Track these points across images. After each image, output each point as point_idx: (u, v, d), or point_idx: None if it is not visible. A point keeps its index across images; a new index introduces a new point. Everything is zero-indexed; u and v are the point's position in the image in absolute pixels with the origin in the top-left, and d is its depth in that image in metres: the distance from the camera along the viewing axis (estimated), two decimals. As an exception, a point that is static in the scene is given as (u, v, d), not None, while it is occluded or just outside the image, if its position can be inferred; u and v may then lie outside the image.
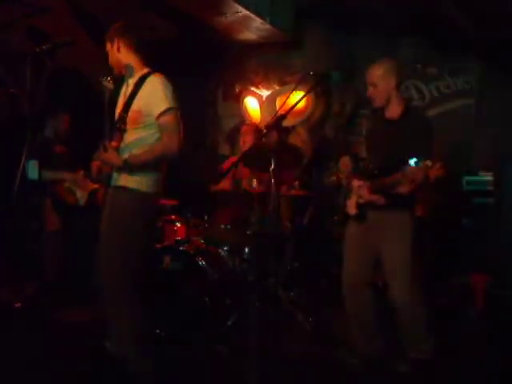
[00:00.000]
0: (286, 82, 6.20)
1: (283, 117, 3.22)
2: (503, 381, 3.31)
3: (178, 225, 4.63)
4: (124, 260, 2.88)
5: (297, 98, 3.36)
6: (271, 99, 6.24)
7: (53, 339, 3.66)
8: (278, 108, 5.86)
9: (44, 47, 2.70)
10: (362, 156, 3.49)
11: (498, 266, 4.72)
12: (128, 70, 3.04)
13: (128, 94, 2.98)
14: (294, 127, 6.10)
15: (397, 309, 3.28)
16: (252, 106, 6.37)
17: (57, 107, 4.63)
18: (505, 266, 4.70)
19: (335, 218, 3.57)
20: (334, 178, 3.66)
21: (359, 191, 3.33)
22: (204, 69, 6.65)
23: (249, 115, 6.37)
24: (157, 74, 2.99)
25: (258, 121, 6.16)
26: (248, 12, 5.20)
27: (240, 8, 5.10)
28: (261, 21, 5.40)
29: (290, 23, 5.82)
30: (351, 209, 3.40)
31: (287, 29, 5.80)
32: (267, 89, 6.32)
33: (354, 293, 3.41)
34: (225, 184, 4.84)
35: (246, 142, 4.83)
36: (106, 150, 2.88)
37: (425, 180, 3.00)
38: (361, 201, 3.32)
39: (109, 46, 3.07)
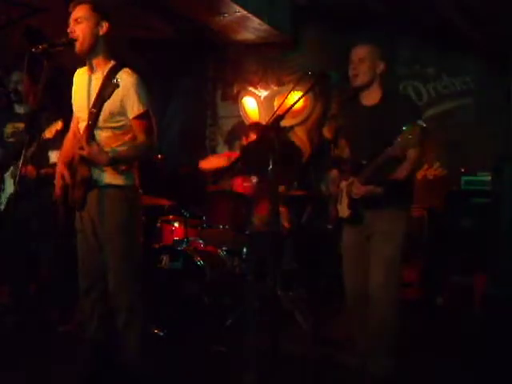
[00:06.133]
0: (284, 82, 6.21)
1: (281, 117, 3.21)
2: (503, 381, 3.31)
3: (176, 225, 4.62)
4: (134, 256, 2.87)
5: (295, 98, 3.34)
6: (269, 99, 6.25)
7: (52, 339, 3.66)
8: (276, 108, 5.85)
9: (40, 47, 2.69)
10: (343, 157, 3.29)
11: (496, 266, 4.72)
12: (95, 58, 2.86)
13: (98, 88, 2.82)
14: (292, 127, 6.11)
15: (370, 307, 3.08)
16: (250, 106, 6.38)
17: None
18: (503, 266, 4.69)
19: (328, 226, 3.39)
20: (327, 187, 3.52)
21: (350, 189, 3.10)
22: (202, 69, 6.66)
23: (247, 115, 6.38)
24: (127, 69, 2.84)
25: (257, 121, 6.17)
26: (246, 12, 5.20)
27: (238, 8, 5.10)
28: (259, 21, 5.41)
29: (288, 23, 5.82)
30: (344, 212, 3.19)
31: (285, 29, 5.80)
32: (265, 89, 6.33)
33: (357, 305, 3.21)
34: (223, 184, 4.84)
35: (250, 139, 4.81)
36: (90, 145, 2.74)
37: (422, 142, 2.85)
38: (355, 196, 3.06)
39: (88, 19, 2.78)
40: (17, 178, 3.81)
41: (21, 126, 4.09)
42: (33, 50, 2.68)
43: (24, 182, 3.77)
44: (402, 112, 2.99)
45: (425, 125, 2.81)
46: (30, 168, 3.87)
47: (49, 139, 3.69)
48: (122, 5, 4.75)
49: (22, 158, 2.80)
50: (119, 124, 2.85)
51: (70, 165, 2.90)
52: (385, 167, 2.97)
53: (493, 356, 3.64)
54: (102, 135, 2.84)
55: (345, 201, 3.17)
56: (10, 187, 4.00)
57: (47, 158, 3.99)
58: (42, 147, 3.84)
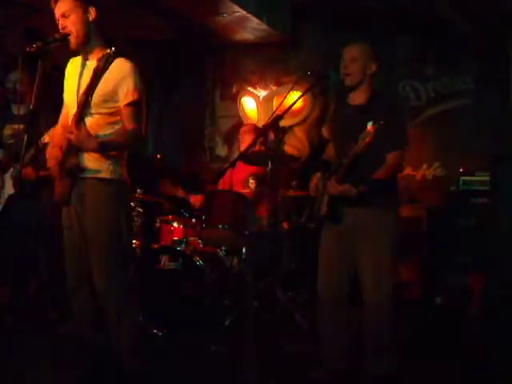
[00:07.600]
0: (283, 83, 6.21)
1: (280, 117, 3.21)
2: (503, 381, 3.31)
3: (175, 225, 4.61)
4: (121, 254, 2.82)
5: (294, 98, 3.34)
6: (268, 99, 6.26)
7: (52, 339, 3.65)
8: (275, 108, 5.86)
9: (34, 46, 2.67)
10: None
11: (495, 266, 4.73)
12: (90, 46, 2.83)
13: (91, 75, 2.75)
14: (291, 127, 6.11)
15: (365, 310, 3.08)
16: (249, 106, 6.38)
17: None
18: (502, 266, 4.70)
19: (311, 226, 3.33)
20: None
21: (328, 187, 3.10)
22: (202, 69, 6.66)
23: (246, 115, 6.38)
24: (123, 58, 2.79)
25: (256, 121, 6.16)
26: (245, 12, 5.20)
27: (237, 8, 5.10)
28: (258, 21, 5.40)
29: (287, 23, 5.82)
30: (323, 210, 3.15)
31: (285, 29, 5.80)
32: (264, 89, 6.33)
33: (330, 308, 3.19)
34: (222, 184, 4.84)
35: (245, 141, 4.81)
36: (80, 129, 2.68)
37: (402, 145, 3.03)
38: (330, 193, 3.05)
39: (76, 10, 2.74)
40: (16, 179, 3.81)
41: (20, 127, 4.08)
42: (27, 49, 2.66)
43: (23, 184, 3.77)
44: (382, 114, 2.93)
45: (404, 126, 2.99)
46: (29, 170, 3.87)
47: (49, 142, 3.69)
48: (121, 4, 4.76)
49: (21, 159, 2.80)
50: (110, 111, 2.79)
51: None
52: (363, 167, 2.96)
53: (492, 356, 3.64)
54: (91, 121, 2.76)
55: (325, 199, 3.15)
56: (9, 188, 4.00)
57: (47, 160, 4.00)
58: (42, 150, 3.85)
